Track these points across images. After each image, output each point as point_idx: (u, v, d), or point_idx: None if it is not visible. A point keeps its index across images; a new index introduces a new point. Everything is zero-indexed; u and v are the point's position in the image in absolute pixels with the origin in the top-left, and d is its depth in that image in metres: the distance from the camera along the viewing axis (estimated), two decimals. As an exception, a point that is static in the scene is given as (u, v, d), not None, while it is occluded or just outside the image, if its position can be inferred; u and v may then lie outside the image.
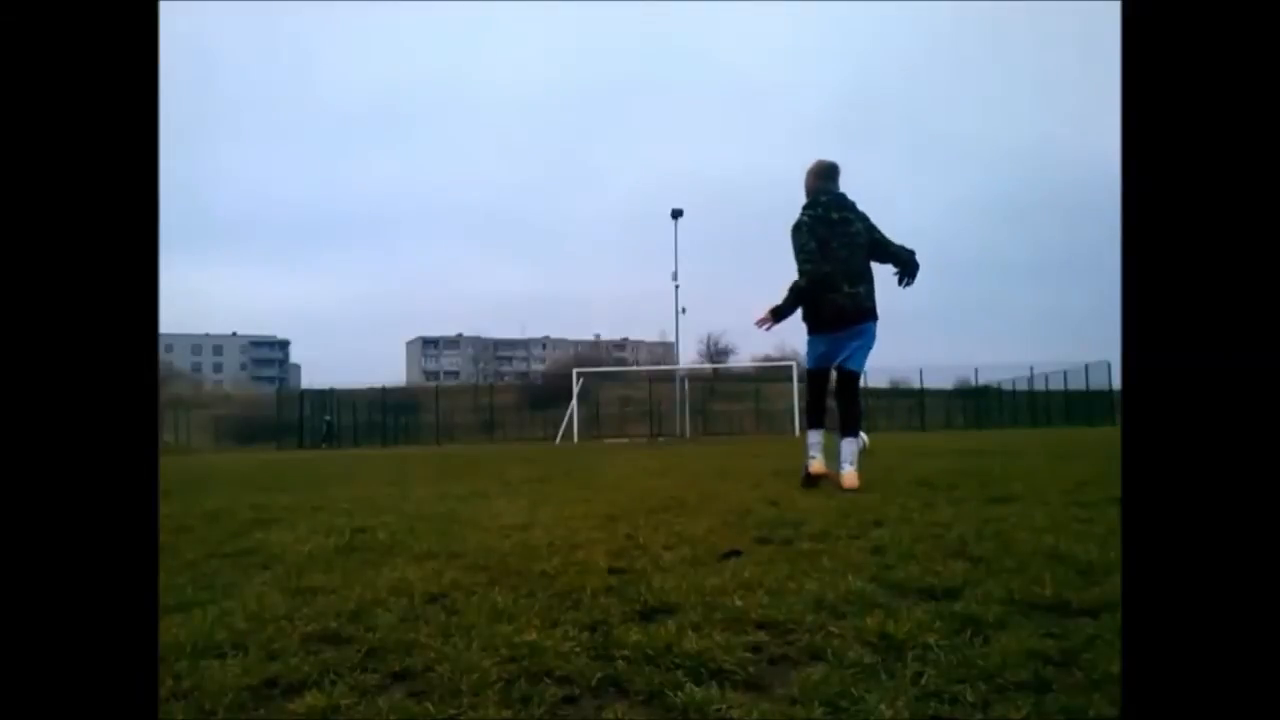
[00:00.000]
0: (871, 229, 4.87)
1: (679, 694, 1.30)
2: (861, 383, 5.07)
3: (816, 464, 4.77)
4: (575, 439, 30.13)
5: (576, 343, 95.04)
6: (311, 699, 1.32)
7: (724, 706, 1.25)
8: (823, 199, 4.84)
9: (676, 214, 32.88)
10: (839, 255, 4.73)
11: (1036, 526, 2.80)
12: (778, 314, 4.88)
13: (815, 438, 4.91)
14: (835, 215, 4.80)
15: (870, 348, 4.92)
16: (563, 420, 32.24)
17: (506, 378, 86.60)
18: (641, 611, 1.80)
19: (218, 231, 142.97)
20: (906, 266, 4.84)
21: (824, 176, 4.89)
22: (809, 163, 4.99)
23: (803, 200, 4.95)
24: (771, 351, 59.86)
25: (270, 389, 66.85)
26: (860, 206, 4.89)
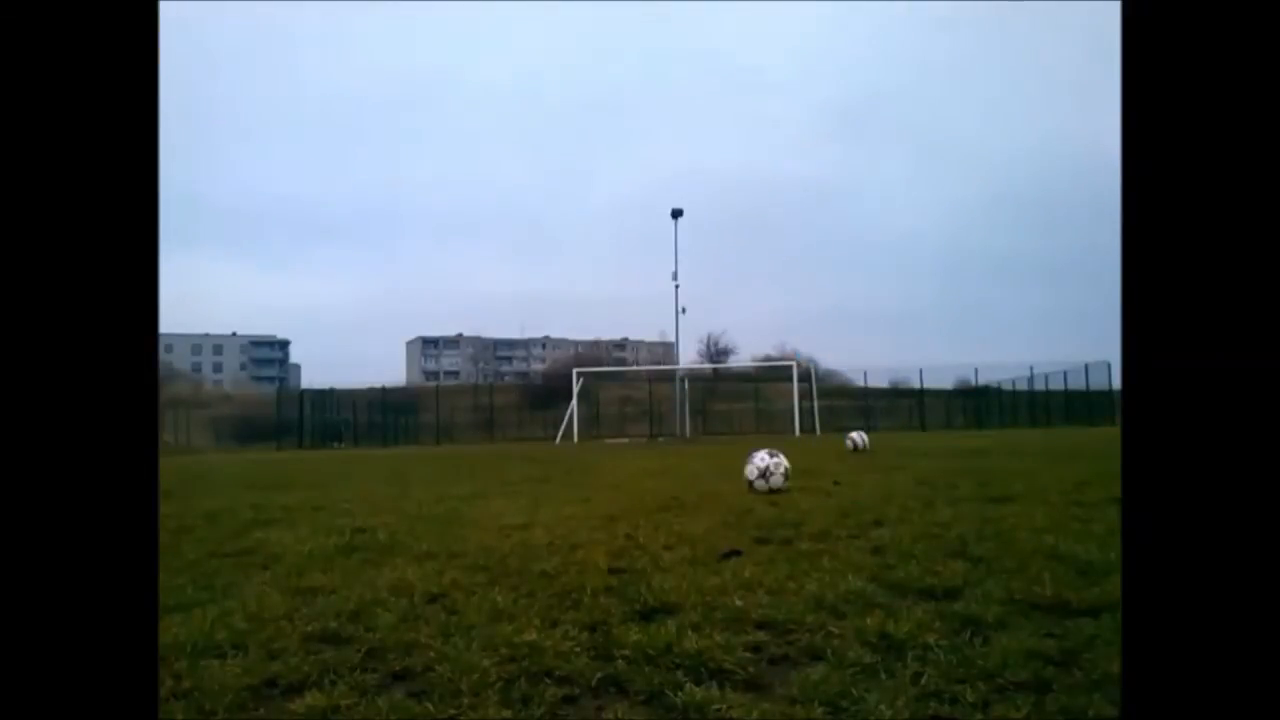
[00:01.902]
0: None
1: (679, 694, 1.30)
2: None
3: None
4: (575, 439, 30.14)
5: (576, 343, 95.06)
6: (311, 699, 1.32)
7: (724, 706, 1.25)
8: None
9: (676, 214, 32.91)
10: None
11: (1036, 526, 2.80)
12: None
13: None
14: None
15: None
16: (563, 420, 32.26)
17: (506, 378, 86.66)
18: (641, 611, 1.80)
19: (218, 231, 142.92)
20: None
21: None
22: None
23: None
24: (771, 351, 59.91)
25: (270, 389, 66.83)
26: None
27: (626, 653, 1.50)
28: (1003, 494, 3.92)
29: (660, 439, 29.83)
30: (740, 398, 46.63)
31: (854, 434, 10.33)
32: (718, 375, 60.16)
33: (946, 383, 44.43)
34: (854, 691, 1.28)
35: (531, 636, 1.60)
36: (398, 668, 1.48)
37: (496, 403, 48.62)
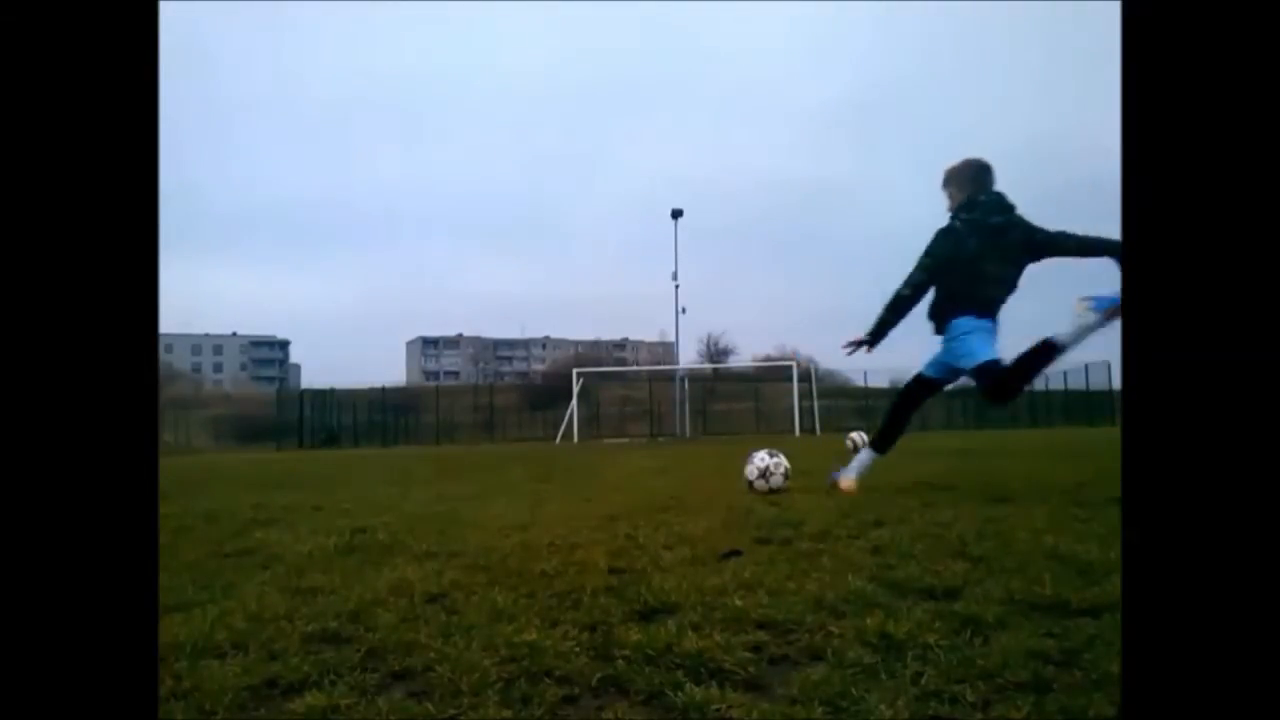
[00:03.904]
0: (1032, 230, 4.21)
1: (679, 694, 1.30)
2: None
3: (851, 483, 4.43)
4: (575, 439, 30.14)
5: (576, 343, 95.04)
6: (311, 699, 1.32)
7: (724, 706, 1.25)
8: (982, 199, 4.24)
9: (676, 214, 32.95)
10: (1010, 254, 4.15)
11: (1036, 526, 2.80)
12: (875, 338, 4.33)
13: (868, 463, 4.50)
14: (996, 219, 4.18)
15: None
16: (563, 420, 32.27)
17: (506, 378, 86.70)
18: (641, 611, 1.80)
19: (218, 231, 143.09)
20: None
21: (987, 174, 4.31)
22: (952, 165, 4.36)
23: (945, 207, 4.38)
24: (771, 351, 59.95)
25: (270, 389, 66.80)
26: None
27: (626, 653, 1.50)
28: (1003, 494, 3.92)
29: (660, 439, 29.83)
30: (740, 398, 46.62)
31: (854, 434, 10.32)
32: (718, 375, 60.15)
33: (947, 382, 44.17)
34: (854, 691, 1.28)
35: (531, 636, 1.60)
36: (398, 668, 1.48)
37: (496, 403, 48.63)
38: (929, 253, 4.23)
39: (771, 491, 4.47)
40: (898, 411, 4.56)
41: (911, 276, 4.25)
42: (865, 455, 4.55)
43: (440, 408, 43.22)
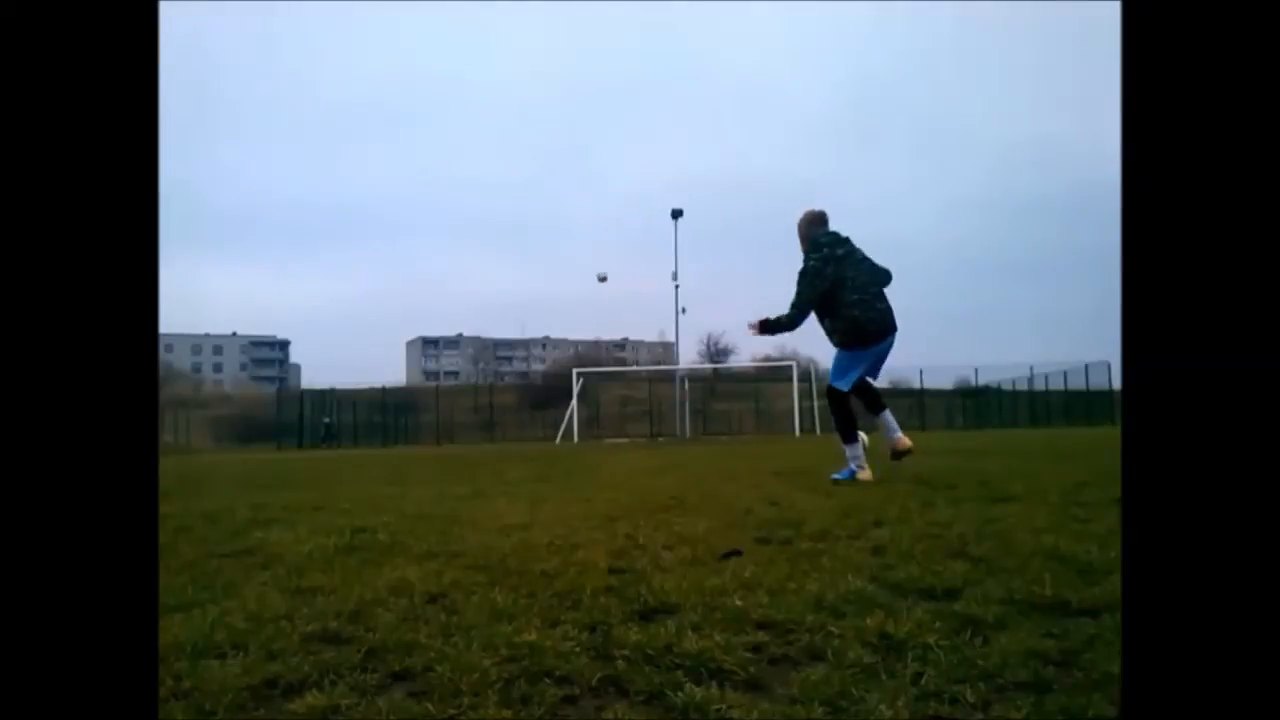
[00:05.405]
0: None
1: (679, 694, 1.30)
2: (875, 384, 5.71)
3: (867, 472, 5.23)
4: (575, 439, 30.14)
5: (576, 343, 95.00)
6: (311, 699, 1.32)
7: (724, 706, 1.25)
8: (823, 240, 5.27)
9: (676, 214, 32.92)
10: (859, 280, 5.14)
11: (1036, 526, 2.80)
12: (769, 328, 5.34)
13: (859, 450, 5.30)
14: (840, 251, 5.23)
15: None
16: (563, 420, 32.27)
17: (506, 378, 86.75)
18: (641, 611, 1.80)
19: (218, 231, 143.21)
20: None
21: (820, 223, 5.37)
22: (803, 209, 5.44)
23: (798, 242, 5.43)
24: (772, 351, 59.97)
25: (270, 389, 66.83)
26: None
27: (626, 653, 1.50)
28: (1003, 494, 3.92)
29: (660, 439, 29.83)
30: (740, 398, 46.64)
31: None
32: (718, 375, 60.18)
33: (946, 383, 44.46)
34: (854, 691, 1.28)
35: (531, 636, 1.60)
36: (398, 668, 1.48)
37: (496, 403, 48.64)
38: (802, 292, 5.20)
39: None
40: (860, 397, 5.56)
41: (794, 316, 5.22)
42: (886, 416, 5.36)
43: (440, 408, 43.24)
